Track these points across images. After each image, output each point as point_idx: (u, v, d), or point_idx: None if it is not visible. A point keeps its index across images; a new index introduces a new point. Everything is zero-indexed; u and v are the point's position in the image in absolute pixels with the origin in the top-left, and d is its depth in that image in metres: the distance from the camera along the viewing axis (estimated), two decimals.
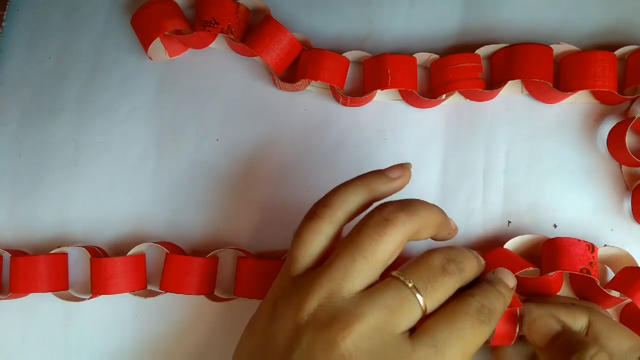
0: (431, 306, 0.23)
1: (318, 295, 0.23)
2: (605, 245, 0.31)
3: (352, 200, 0.25)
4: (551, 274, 0.30)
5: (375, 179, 0.26)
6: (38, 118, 0.37)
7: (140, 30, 0.35)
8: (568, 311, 0.28)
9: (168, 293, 0.33)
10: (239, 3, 0.34)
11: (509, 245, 0.32)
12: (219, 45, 0.37)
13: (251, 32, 0.35)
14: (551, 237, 0.31)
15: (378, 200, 0.26)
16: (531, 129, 0.35)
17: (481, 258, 0.26)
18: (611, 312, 0.31)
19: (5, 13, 0.37)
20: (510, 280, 0.26)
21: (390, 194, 0.26)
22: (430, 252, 0.25)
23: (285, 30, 0.34)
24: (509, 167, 0.34)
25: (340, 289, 0.23)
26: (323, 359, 0.21)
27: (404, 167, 0.27)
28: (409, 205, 0.25)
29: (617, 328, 0.27)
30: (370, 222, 0.24)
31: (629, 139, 0.33)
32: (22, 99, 0.37)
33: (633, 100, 0.34)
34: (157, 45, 0.35)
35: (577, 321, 0.27)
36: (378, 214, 0.24)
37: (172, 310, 0.34)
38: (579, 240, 0.30)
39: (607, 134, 0.34)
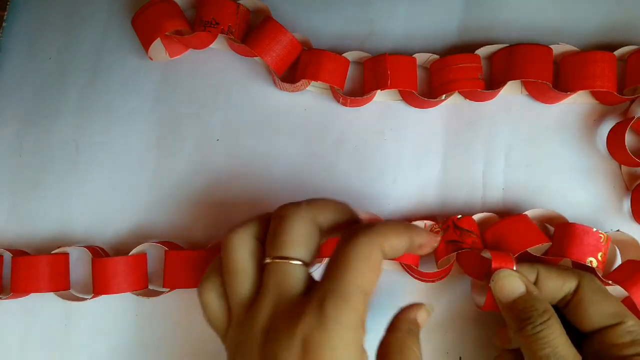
0: (302, 253, 0.24)
1: (235, 328, 0.25)
2: (618, 230, 0.32)
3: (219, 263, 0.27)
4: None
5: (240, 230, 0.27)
6: (38, 118, 0.37)
7: (140, 31, 0.35)
8: (560, 273, 0.29)
9: (169, 293, 0.33)
10: (239, 3, 0.34)
11: (529, 213, 0.32)
12: (219, 45, 0.37)
13: (251, 33, 0.35)
14: (569, 221, 0.31)
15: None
16: (531, 129, 0.35)
17: (335, 200, 0.27)
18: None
19: (5, 13, 0.37)
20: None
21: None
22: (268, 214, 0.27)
23: (285, 31, 0.34)
24: (508, 167, 0.34)
25: (239, 307, 0.25)
26: (252, 352, 0.23)
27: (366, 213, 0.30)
28: (305, 200, 0.26)
29: (603, 294, 0.28)
30: (272, 224, 0.26)
31: (629, 138, 0.33)
32: (22, 99, 0.37)
33: (632, 101, 0.34)
34: (157, 45, 0.36)
35: (567, 284, 0.28)
36: (274, 214, 0.26)
37: (172, 310, 0.34)
38: (595, 230, 0.30)
39: (607, 134, 0.34)
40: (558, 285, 0.28)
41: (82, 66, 0.37)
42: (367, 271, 0.23)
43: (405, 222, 0.27)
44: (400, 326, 0.26)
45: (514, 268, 0.28)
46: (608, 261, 0.32)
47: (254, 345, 0.23)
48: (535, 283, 0.28)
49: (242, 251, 0.26)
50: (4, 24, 0.37)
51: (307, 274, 0.25)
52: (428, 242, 0.26)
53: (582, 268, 0.31)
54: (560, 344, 0.26)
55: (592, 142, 0.35)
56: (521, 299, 0.27)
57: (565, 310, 0.29)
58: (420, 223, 0.32)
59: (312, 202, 0.26)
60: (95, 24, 0.37)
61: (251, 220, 0.27)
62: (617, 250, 0.32)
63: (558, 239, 0.31)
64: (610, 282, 0.30)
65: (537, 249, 0.31)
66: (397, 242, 0.24)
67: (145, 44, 0.35)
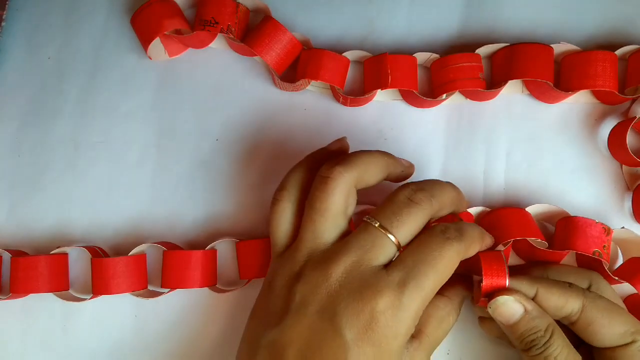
0: (403, 238, 0.26)
1: (300, 259, 0.26)
2: (622, 227, 0.31)
3: (299, 176, 0.29)
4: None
5: (316, 153, 0.30)
6: (38, 118, 0.37)
7: (139, 30, 0.35)
8: (562, 292, 0.27)
9: (168, 293, 0.33)
10: (238, 3, 0.34)
11: (529, 208, 0.32)
12: (218, 45, 0.37)
13: (251, 32, 0.34)
14: (570, 215, 0.31)
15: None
16: (532, 129, 0.35)
17: (458, 189, 0.29)
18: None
19: (5, 13, 0.37)
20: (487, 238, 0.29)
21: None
22: (397, 188, 0.27)
23: (285, 30, 0.34)
24: (509, 167, 0.34)
25: (315, 246, 0.26)
26: (313, 299, 0.25)
27: (341, 140, 0.31)
28: (346, 158, 0.27)
29: (611, 312, 0.27)
30: (315, 184, 0.27)
31: (630, 138, 0.33)
32: (21, 98, 0.37)
33: (634, 100, 0.34)
34: (156, 44, 0.35)
35: (569, 304, 0.27)
36: (319, 175, 0.27)
37: (172, 310, 0.34)
38: (596, 222, 0.30)
39: (608, 133, 0.34)
40: (559, 305, 0.27)
41: (81, 66, 0.37)
42: (445, 277, 0.25)
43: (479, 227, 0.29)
44: (451, 296, 0.28)
45: (507, 281, 0.27)
46: (612, 260, 0.32)
47: (317, 289, 0.25)
48: (535, 299, 0.27)
49: (343, 197, 0.27)
50: (3, 24, 0.37)
51: (395, 255, 0.26)
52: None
53: (589, 261, 0.31)
54: (564, 357, 0.26)
55: (593, 141, 0.34)
56: (522, 322, 0.27)
57: (572, 327, 0.28)
58: None
59: (349, 161, 0.27)
60: (94, 24, 0.37)
61: (357, 164, 0.27)
62: (618, 248, 0.32)
63: (561, 233, 0.31)
64: (617, 278, 0.30)
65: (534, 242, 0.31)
66: (472, 252, 0.27)
67: (145, 43, 0.35)
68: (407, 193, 0.27)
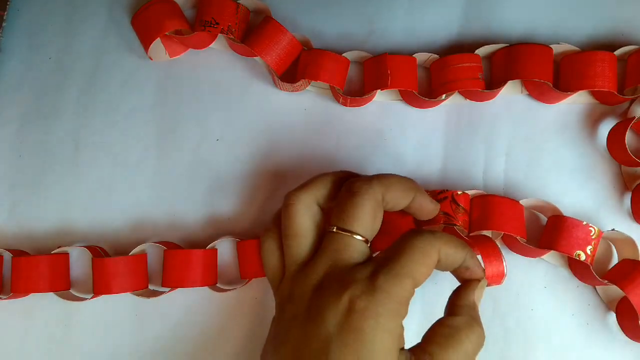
0: (362, 230, 0.26)
1: (288, 281, 0.28)
2: (612, 229, 0.32)
3: (280, 217, 0.29)
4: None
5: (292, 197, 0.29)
6: (38, 118, 0.37)
7: (140, 31, 0.35)
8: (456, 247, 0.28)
9: (169, 293, 0.33)
10: (239, 3, 0.34)
11: (525, 202, 0.33)
12: (219, 45, 0.37)
13: (251, 33, 0.35)
14: (562, 214, 0.31)
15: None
16: (531, 129, 0.35)
17: (408, 178, 0.29)
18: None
19: (5, 13, 0.37)
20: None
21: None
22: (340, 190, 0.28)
23: (285, 31, 0.34)
24: (508, 167, 0.34)
25: (295, 267, 0.28)
26: (300, 308, 0.26)
27: None
28: (375, 176, 0.28)
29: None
30: (341, 196, 0.27)
31: (629, 138, 0.33)
32: (22, 99, 0.37)
33: (633, 101, 0.34)
34: (157, 45, 0.36)
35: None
36: (345, 188, 0.28)
37: (172, 310, 0.34)
38: (585, 223, 0.30)
39: (607, 133, 0.34)
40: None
41: (82, 66, 0.37)
42: (422, 264, 0.25)
43: (461, 239, 0.28)
44: (460, 312, 0.26)
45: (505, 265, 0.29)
46: (605, 260, 0.33)
47: (303, 297, 0.26)
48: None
49: (305, 217, 0.28)
50: (3, 24, 0.37)
51: (366, 250, 0.27)
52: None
53: (571, 261, 0.32)
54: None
55: (592, 142, 0.35)
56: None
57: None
58: None
59: (383, 179, 0.27)
60: (95, 24, 0.37)
61: (313, 184, 0.29)
62: (614, 249, 0.33)
63: (549, 231, 0.31)
64: (606, 281, 0.30)
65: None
66: (452, 253, 0.26)
67: (145, 43, 0.35)
68: (345, 187, 0.28)
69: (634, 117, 0.32)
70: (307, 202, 0.28)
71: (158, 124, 0.36)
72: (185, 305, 0.34)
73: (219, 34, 0.34)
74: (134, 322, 0.34)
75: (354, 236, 0.26)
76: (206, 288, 0.33)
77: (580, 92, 0.34)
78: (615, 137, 0.33)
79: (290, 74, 0.35)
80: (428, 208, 0.29)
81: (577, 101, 0.35)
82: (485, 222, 0.31)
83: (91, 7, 0.38)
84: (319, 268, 0.26)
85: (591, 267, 0.30)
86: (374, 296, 0.24)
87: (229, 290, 0.33)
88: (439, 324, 0.26)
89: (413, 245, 0.25)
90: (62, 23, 0.38)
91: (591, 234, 0.30)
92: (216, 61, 0.37)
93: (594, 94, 0.35)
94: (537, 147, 0.35)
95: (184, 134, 0.36)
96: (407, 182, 0.28)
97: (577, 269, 0.32)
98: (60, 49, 0.37)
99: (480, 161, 0.35)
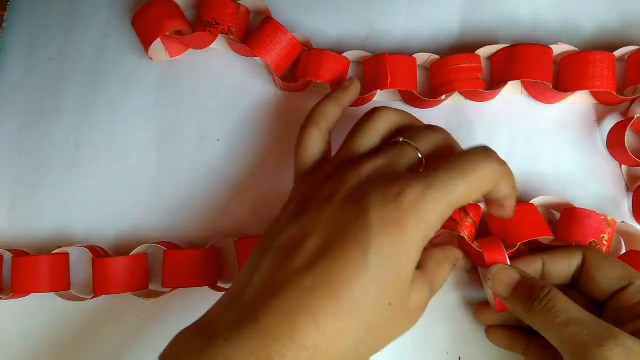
0: (423, 149, 0.27)
1: (331, 165, 0.28)
2: (622, 222, 0.31)
3: (327, 109, 0.30)
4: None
5: (335, 91, 0.32)
6: (38, 118, 0.37)
7: (140, 31, 0.35)
8: (563, 252, 0.29)
9: (169, 293, 0.33)
10: (239, 4, 0.34)
11: (536, 200, 0.32)
12: (219, 45, 0.37)
13: (251, 33, 0.35)
14: (575, 205, 0.31)
15: (344, 107, 0.31)
16: (531, 129, 0.35)
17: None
18: None
19: (5, 13, 0.37)
20: None
21: (350, 100, 0.32)
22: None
23: (285, 31, 0.34)
24: None
25: (349, 155, 0.28)
26: (340, 191, 0.25)
27: (352, 79, 0.33)
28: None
29: (609, 260, 0.29)
30: (364, 114, 0.29)
31: (629, 138, 0.33)
32: (22, 99, 0.37)
33: (632, 101, 0.34)
34: (157, 45, 0.36)
35: (573, 260, 0.29)
36: (426, 126, 0.29)
37: (172, 310, 0.34)
38: (597, 213, 0.30)
39: (607, 133, 0.34)
40: (565, 265, 0.29)
41: (82, 66, 0.37)
42: (474, 192, 0.25)
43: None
44: (445, 248, 0.29)
45: (506, 257, 0.29)
46: (613, 252, 0.32)
47: (348, 180, 0.25)
48: (543, 270, 0.29)
49: (382, 122, 0.29)
50: (4, 24, 0.37)
51: (418, 162, 0.27)
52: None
53: None
54: (572, 308, 0.26)
55: (592, 141, 0.35)
56: (519, 285, 0.28)
57: (577, 285, 0.29)
58: None
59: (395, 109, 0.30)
60: (95, 24, 0.38)
61: (399, 112, 0.30)
62: (622, 241, 0.32)
63: (562, 224, 0.31)
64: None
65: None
66: (502, 188, 0.26)
67: (145, 43, 0.35)
68: (424, 124, 0.29)
69: (634, 117, 0.32)
70: (389, 113, 0.29)
71: (158, 124, 0.36)
72: (185, 305, 0.34)
73: (219, 34, 0.34)
74: (134, 322, 0.34)
75: (414, 146, 0.27)
76: (206, 288, 0.33)
77: (580, 92, 0.34)
78: (615, 137, 0.33)
79: (290, 74, 0.35)
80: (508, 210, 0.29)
81: (576, 101, 0.35)
82: (508, 235, 0.30)
83: (91, 7, 0.38)
84: (372, 162, 0.26)
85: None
86: (422, 200, 0.23)
87: None
88: (430, 251, 0.28)
89: (474, 169, 0.24)
90: (62, 23, 0.38)
91: (604, 223, 0.30)
92: (216, 61, 0.37)
93: (594, 94, 0.35)
94: (537, 147, 0.35)
95: (184, 134, 0.36)
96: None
97: None
98: (60, 49, 0.37)
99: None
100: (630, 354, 0.24)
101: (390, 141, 0.28)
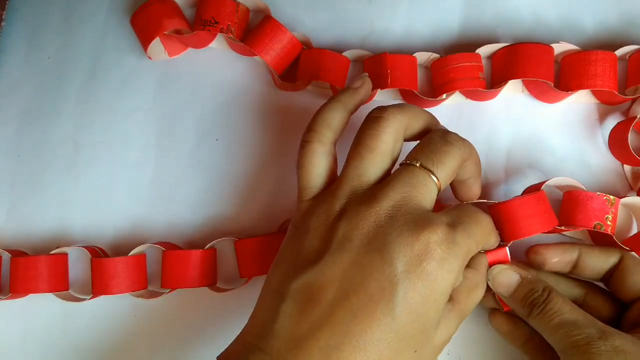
0: (443, 179, 0.25)
1: (342, 197, 0.25)
2: (627, 196, 0.31)
3: (332, 117, 0.27)
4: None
5: (343, 94, 0.29)
6: (37, 118, 0.37)
7: (139, 30, 0.35)
8: (603, 250, 0.30)
9: (168, 293, 0.33)
10: (238, 3, 0.34)
11: (550, 181, 0.32)
12: (218, 44, 0.37)
13: (251, 32, 0.34)
14: (582, 189, 0.31)
15: (353, 112, 0.29)
16: (532, 129, 0.35)
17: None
18: None
19: (4, 13, 0.37)
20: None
21: (359, 103, 0.29)
22: (430, 133, 0.27)
23: (285, 30, 0.34)
24: (509, 167, 0.34)
25: (359, 184, 0.25)
26: (359, 233, 0.23)
27: (363, 77, 0.30)
28: (399, 104, 0.27)
29: None
30: (367, 122, 0.26)
31: (631, 138, 0.33)
32: (21, 98, 0.37)
33: (634, 100, 0.34)
34: (156, 44, 0.35)
35: (610, 258, 0.29)
36: (371, 114, 0.27)
37: (172, 310, 0.34)
38: (598, 194, 0.30)
39: (609, 133, 0.34)
40: (601, 262, 0.29)
41: (81, 66, 0.37)
42: (483, 239, 0.26)
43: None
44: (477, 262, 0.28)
45: (508, 254, 0.29)
46: (624, 229, 0.32)
47: (365, 218, 0.24)
48: (578, 261, 0.29)
49: (391, 137, 0.26)
50: (2, 24, 0.37)
51: (434, 198, 0.26)
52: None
53: (598, 233, 0.31)
54: (566, 310, 0.26)
55: (594, 141, 0.34)
56: (519, 287, 0.28)
57: (608, 282, 0.30)
58: None
59: (402, 107, 0.27)
60: (94, 24, 0.37)
61: (407, 109, 0.27)
62: (633, 217, 0.32)
63: (565, 207, 0.31)
64: (627, 248, 0.30)
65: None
66: (469, 166, 0.27)
67: (144, 43, 0.35)
68: (441, 134, 0.26)
69: (636, 117, 0.32)
70: (401, 125, 0.26)
71: (157, 123, 0.36)
72: (185, 306, 0.34)
73: (219, 33, 0.34)
74: (133, 322, 0.34)
75: (433, 178, 0.25)
76: (206, 288, 0.33)
77: (581, 91, 0.33)
78: (617, 137, 0.33)
79: (290, 73, 0.35)
80: (477, 190, 0.30)
81: (578, 100, 0.35)
82: (515, 231, 0.30)
83: (90, 7, 0.38)
84: (390, 196, 0.24)
85: (613, 236, 0.30)
86: (452, 249, 0.23)
87: (229, 290, 0.33)
88: (463, 278, 0.27)
89: (481, 218, 0.26)
90: (61, 23, 0.38)
91: (607, 203, 0.30)
92: (216, 60, 0.37)
93: (595, 93, 0.35)
94: (538, 147, 0.34)
95: (184, 133, 0.36)
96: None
97: (599, 240, 0.32)
98: (59, 48, 0.37)
99: (481, 160, 0.35)
100: (618, 354, 0.24)
101: (405, 163, 0.26)
